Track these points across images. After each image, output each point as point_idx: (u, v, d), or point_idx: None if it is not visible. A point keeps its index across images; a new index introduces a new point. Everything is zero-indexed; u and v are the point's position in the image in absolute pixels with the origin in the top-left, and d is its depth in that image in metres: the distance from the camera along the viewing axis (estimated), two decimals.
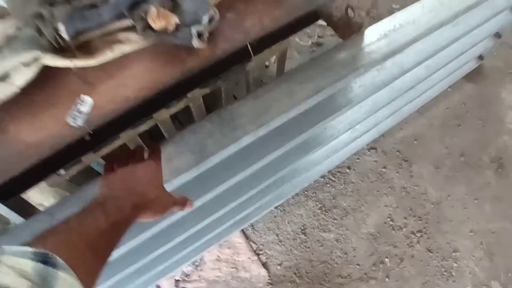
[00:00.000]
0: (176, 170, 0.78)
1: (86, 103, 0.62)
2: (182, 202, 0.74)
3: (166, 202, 0.70)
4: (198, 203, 0.94)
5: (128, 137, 1.34)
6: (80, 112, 0.61)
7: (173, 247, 1.11)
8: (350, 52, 0.89)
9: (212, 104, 1.74)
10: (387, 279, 1.55)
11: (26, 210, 1.34)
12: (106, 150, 1.37)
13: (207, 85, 1.28)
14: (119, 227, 0.60)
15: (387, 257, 1.58)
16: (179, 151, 0.80)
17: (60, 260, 0.41)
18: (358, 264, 1.57)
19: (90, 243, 0.52)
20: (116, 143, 1.35)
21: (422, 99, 1.73)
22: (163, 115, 1.38)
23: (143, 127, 1.34)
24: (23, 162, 0.60)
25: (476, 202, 1.66)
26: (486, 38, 1.53)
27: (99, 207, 0.59)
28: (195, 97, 1.40)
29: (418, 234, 1.61)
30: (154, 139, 1.65)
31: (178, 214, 0.91)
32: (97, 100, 0.63)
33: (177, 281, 1.52)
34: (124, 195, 0.64)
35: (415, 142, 1.75)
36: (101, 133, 0.64)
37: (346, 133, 1.35)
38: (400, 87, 1.30)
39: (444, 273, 1.56)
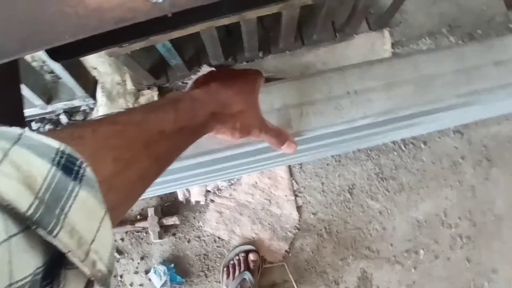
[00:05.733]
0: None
1: None
2: (281, 136, 0.57)
3: (255, 124, 0.55)
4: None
5: (204, 26, 1.17)
6: None
7: (215, 169, 0.96)
8: None
9: (305, 18, 1.45)
10: (413, 270, 1.44)
11: (79, 73, 1.16)
12: (176, 34, 1.21)
13: None
14: (187, 135, 0.46)
15: (423, 249, 1.45)
16: None
17: (89, 173, 0.25)
18: (391, 244, 1.45)
19: (149, 144, 0.39)
20: (190, 30, 1.18)
21: None
22: (250, 15, 1.20)
23: (225, 20, 1.17)
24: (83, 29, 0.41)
25: None
26: None
27: (170, 103, 0.45)
28: (294, 4, 1.17)
29: (465, 240, 1.46)
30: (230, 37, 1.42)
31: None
32: None
33: (207, 191, 1.40)
34: (205, 98, 0.49)
35: (508, 144, 1.52)
36: (177, 17, 0.47)
37: None
38: None
39: None
